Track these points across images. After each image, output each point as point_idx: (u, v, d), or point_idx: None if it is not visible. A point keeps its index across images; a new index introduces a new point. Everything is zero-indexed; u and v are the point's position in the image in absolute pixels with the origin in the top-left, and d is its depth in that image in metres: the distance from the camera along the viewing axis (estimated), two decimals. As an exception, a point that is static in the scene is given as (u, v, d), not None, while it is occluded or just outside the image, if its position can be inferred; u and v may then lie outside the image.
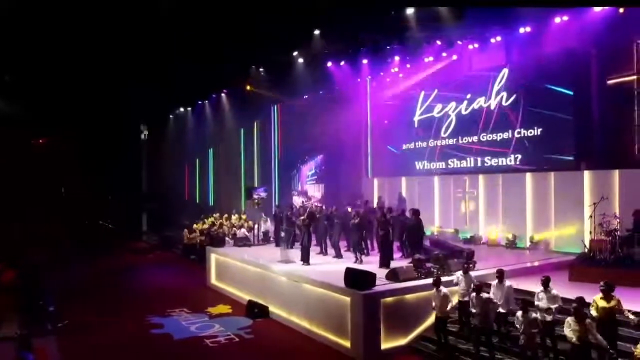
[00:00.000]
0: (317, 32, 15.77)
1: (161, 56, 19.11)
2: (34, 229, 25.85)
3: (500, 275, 9.29)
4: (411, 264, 11.12)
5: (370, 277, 10.05)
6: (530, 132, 15.25)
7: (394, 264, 11.90)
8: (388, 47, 17.12)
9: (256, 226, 17.77)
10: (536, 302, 8.41)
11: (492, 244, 15.81)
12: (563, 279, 11.46)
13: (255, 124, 31.68)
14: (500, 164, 16.20)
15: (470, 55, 17.54)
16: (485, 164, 16.67)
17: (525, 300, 8.26)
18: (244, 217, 20.89)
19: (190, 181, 41.96)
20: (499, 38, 16.48)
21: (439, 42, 16.50)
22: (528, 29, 15.55)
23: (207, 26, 16.39)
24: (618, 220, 11.97)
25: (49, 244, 23.93)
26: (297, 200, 23.98)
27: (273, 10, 13.46)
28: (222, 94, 26.49)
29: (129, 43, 18.02)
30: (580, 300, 7.40)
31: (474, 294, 8.97)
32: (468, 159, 17.24)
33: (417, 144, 19.31)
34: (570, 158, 14.31)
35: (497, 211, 16.22)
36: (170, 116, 32.94)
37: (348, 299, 10.10)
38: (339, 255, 13.99)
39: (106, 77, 21.34)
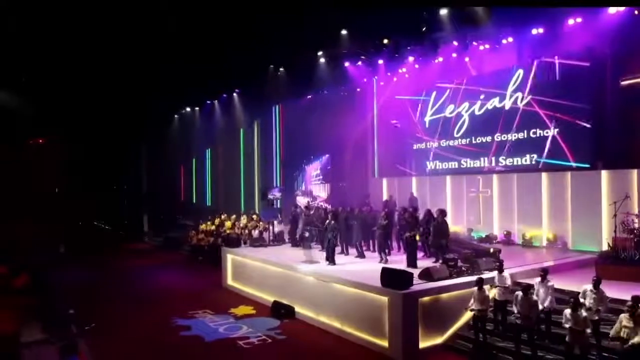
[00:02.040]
0: (344, 32, 15.74)
1: (170, 55, 18.95)
2: (28, 230, 25.39)
3: (544, 273, 9.42)
4: (444, 264, 11.19)
5: (408, 277, 10.09)
6: (547, 132, 15.45)
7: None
8: (406, 48, 17.02)
9: (270, 226, 17.66)
10: (582, 300, 8.53)
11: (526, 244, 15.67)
12: (588, 277, 11.66)
13: (256, 124, 31.62)
14: (515, 163, 16.39)
15: (481, 56, 17.71)
16: (500, 164, 16.85)
17: (576, 298, 8.36)
18: (254, 217, 20.76)
19: (186, 182, 41.73)
20: (510, 39, 16.69)
21: (455, 43, 16.55)
22: (541, 30, 15.76)
23: (217, 24, 16.32)
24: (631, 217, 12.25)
25: (47, 245, 23.53)
26: (302, 201, 23.95)
27: (294, 9, 13.37)
28: (234, 94, 26.07)
29: (140, 41, 17.86)
30: (635, 299, 7.51)
31: (520, 293, 9.06)
32: (482, 158, 17.40)
33: (428, 143, 19.43)
34: (587, 159, 14.54)
35: (512, 210, 16.42)
36: (176, 116, 32.55)
37: (385, 298, 10.12)
38: (361, 255, 14.03)
39: (112, 76, 21.03)
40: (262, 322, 12.41)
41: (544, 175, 15.58)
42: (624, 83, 14.28)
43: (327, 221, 13.20)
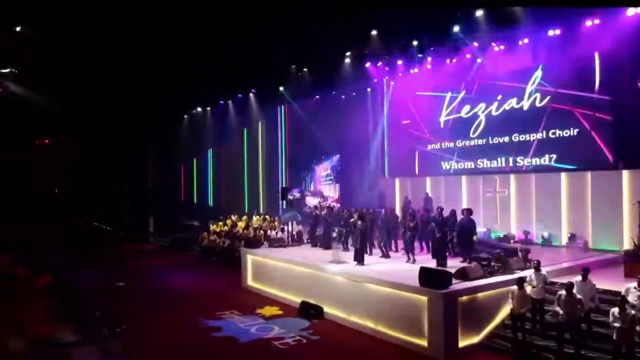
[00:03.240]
0: (374, 32, 15.76)
1: (185, 54, 18.84)
2: (27, 230, 25.07)
3: (585, 273, 9.51)
4: (478, 263, 11.26)
5: (447, 276, 10.14)
6: (566, 133, 15.59)
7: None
8: (429, 48, 17.09)
9: (289, 227, 17.63)
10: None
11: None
12: (617, 275, 11.85)
13: (260, 124, 31.56)
14: (534, 163, 16.51)
15: (497, 57, 17.79)
16: (518, 164, 16.98)
17: (623, 297, 8.46)
18: (268, 217, 20.72)
19: (186, 182, 41.51)
20: (526, 40, 16.84)
21: (475, 44, 16.63)
22: (558, 32, 15.92)
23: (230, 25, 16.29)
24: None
25: (53, 245, 23.23)
26: (313, 201, 23.98)
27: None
28: (250, 94, 26.01)
29: (153, 40, 17.75)
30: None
31: (563, 292, 9.14)
32: (499, 158, 17.50)
33: (443, 144, 19.50)
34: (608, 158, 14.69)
35: (530, 210, 16.56)
36: (185, 116, 32.36)
37: (424, 298, 10.15)
38: (386, 255, 14.06)
39: (123, 75, 20.85)
40: (292, 323, 12.37)
41: (563, 174, 15.73)
42: (641, 84, 14.50)
43: (354, 221, 13.18)
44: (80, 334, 11.24)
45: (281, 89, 23.56)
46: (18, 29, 16.30)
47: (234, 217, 23.23)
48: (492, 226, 17.39)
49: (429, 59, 18.72)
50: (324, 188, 24.63)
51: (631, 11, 14.20)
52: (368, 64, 19.49)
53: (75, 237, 27.21)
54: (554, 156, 15.91)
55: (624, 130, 14.50)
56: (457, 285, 10.33)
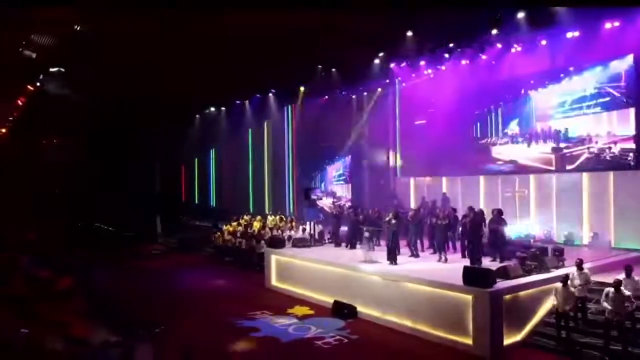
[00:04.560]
0: (409, 33, 15.82)
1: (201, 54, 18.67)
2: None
3: (630, 270, 9.69)
4: (517, 262, 11.41)
5: (491, 275, 10.27)
6: (596, 133, 15.74)
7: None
8: (457, 49, 17.18)
9: (311, 227, 17.65)
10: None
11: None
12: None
13: (266, 123, 31.49)
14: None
15: (512, 59, 17.96)
16: (530, 165, 17.21)
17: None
18: (283, 217, 20.71)
19: (187, 182, 41.23)
20: (544, 42, 17.00)
21: (499, 45, 16.77)
22: (577, 34, 16.09)
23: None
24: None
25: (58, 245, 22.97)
26: (326, 201, 24.03)
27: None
28: (270, 94, 25.98)
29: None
30: None
31: (611, 289, 9.29)
32: (518, 160, 17.70)
33: (458, 144, 19.61)
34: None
35: (550, 209, 16.77)
36: (197, 115, 32.17)
37: (469, 296, 10.25)
38: (415, 254, 14.15)
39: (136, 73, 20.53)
40: (328, 323, 12.40)
41: (584, 173, 15.95)
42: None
43: (389, 220, 13.25)
44: (115, 336, 11.25)
45: (302, 89, 23.46)
46: None
47: (247, 217, 23.16)
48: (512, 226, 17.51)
49: (446, 56, 18.56)
50: (336, 188, 24.66)
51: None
52: (392, 64, 19.52)
53: (74, 238, 26.85)
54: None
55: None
56: (500, 284, 10.46)
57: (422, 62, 18.99)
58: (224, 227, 22.89)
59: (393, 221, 13.11)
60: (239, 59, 17.43)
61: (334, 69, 20.37)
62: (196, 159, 39.22)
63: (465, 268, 10.60)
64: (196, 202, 39.34)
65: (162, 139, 30.18)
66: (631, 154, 14.82)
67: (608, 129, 15.49)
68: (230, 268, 20.19)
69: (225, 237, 21.86)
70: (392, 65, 19.53)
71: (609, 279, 10.64)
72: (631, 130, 14.86)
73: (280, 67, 18.35)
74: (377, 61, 19.11)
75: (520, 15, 14.98)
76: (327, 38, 15.08)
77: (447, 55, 17.97)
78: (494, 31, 15.70)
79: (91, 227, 34.15)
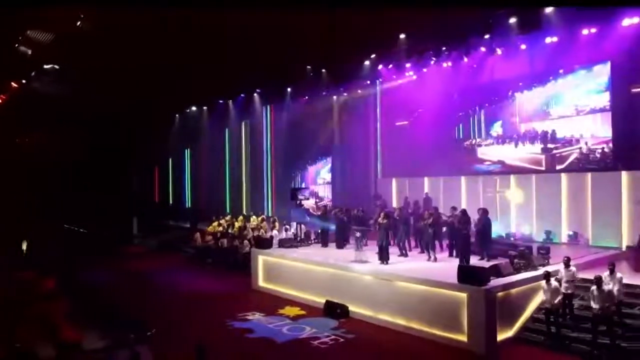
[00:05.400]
0: (402, 36, 15.98)
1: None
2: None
3: (613, 267, 10.11)
4: (508, 260, 11.74)
5: (485, 273, 10.54)
6: (579, 134, 16.37)
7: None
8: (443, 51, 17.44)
9: (298, 227, 17.64)
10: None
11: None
12: (627, 270, 12.60)
13: (244, 124, 31.30)
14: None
15: (497, 62, 18.36)
16: (519, 165, 17.70)
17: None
18: (261, 217, 20.65)
19: (161, 182, 40.51)
20: (523, 46, 17.46)
21: (483, 49, 17.15)
22: (555, 39, 16.64)
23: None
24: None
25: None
26: (309, 202, 24.04)
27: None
28: (255, 94, 25.78)
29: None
30: None
31: (594, 287, 9.67)
32: (505, 160, 18.18)
33: (441, 145, 19.99)
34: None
35: (530, 209, 17.27)
36: (177, 115, 31.61)
37: (464, 294, 10.49)
38: (404, 254, 14.34)
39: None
40: (321, 322, 12.45)
41: (563, 174, 16.52)
42: (634, 90, 15.44)
43: (380, 220, 13.40)
44: (107, 339, 11.00)
45: (289, 89, 23.37)
46: None
47: (228, 217, 22.97)
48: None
49: (446, 63, 18.85)
50: (318, 188, 24.73)
51: (626, 22, 15.04)
52: (380, 66, 19.62)
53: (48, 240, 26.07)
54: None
55: (623, 132, 15.40)
56: (493, 281, 10.73)
57: (408, 64, 19.16)
58: (207, 228, 22.61)
59: (384, 221, 13.26)
60: (226, 58, 17.26)
61: (324, 70, 20.29)
62: (170, 159, 38.68)
63: (460, 267, 10.85)
64: (170, 202, 38.78)
65: (138, 139, 29.55)
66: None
67: (591, 131, 16.13)
68: (213, 269, 19.99)
69: (206, 238, 21.60)
70: (380, 67, 19.63)
71: (590, 275, 11.06)
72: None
73: (266, 67, 18.27)
74: (367, 62, 19.19)
75: (512, 20, 15.30)
76: (317, 39, 15.12)
77: (433, 59, 18.19)
78: (486, 36, 15.97)
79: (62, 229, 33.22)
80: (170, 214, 33.99)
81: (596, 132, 16.01)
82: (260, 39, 16.47)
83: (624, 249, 14.60)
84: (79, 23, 12.87)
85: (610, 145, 15.60)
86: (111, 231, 27.54)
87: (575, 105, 16.50)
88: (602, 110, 15.84)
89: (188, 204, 36.77)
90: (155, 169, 39.80)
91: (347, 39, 15.25)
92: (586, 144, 16.23)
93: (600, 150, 15.91)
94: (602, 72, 15.87)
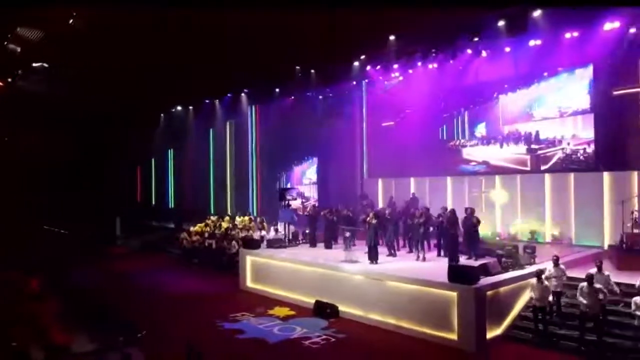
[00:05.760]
0: (392, 37, 16.06)
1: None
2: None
3: (600, 264, 10.35)
4: (496, 260, 11.92)
5: (475, 272, 10.69)
6: (561, 136, 16.68)
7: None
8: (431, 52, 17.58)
9: (286, 227, 17.63)
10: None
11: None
12: (610, 268, 12.87)
13: (228, 124, 31.12)
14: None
15: (478, 64, 18.68)
16: (504, 166, 17.98)
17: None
18: (248, 217, 20.58)
19: (143, 183, 40.03)
20: (508, 49, 17.77)
21: (469, 51, 17.35)
22: (539, 42, 16.95)
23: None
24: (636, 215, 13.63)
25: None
26: (295, 202, 24.00)
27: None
28: (243, 94, 25.63)
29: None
30: None
31: (584, 284, 9.89)
32: (490, 160, 18.45)
33: (427, 145, 20.18)
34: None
35: (515, 209, 17.55)
36: (162, 115, 31.24)
37: (454, 293, 10.63)
38: (393, 254, 14.46)
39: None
40: (311, 322, 12.48)
41: (547, 175, 16.83)
42: (615, 93, 15.81)
43: (370, 220, 13.48)
44: (97, 342, 10.85)
45: (277, 89, 23.31)
46: None
47: (214, 218, 22.83)
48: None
49: (432, 65, 18.90)
50: (303, 188, 24.71)
51: (607, 26, 15.39)
52: (369, 67, 19.68)
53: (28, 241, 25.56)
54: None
55: (604, 135, 15.75)
56: (482, 280, 10.89)
57: (396, 65, 19.28)
58: (192, 229, 22.43)
59: (374, 221, 13.35)
60: (214, 58, 17.16)
61: (312, 71, 20.29)
62: (153, 159, 38.28)
63: (451, 266, 10.99)
64: (153, 203, 38.39)
65: (122, 138, 29.17)
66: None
67: (573, 132, 16.46)
68: (200, 270, 19.85)
69: (192, 238, 21.43)
70: (368, 67, 19.71)
71: (574, 273, 11.43)
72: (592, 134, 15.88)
73: (255, 67, 18.20)
74: (356, 63, 19.26)
75: (501, 23, 15.53)
76: (307, 39, 15.13)
77: (420, 61, 18.35)
78: (475, 39, 16.18)
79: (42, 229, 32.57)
80: (153, 214, 33.67)
81: (578, 133, 16.36)
82: (250, 39, 16.44)
83: (606, 247, 14.93)
84: (71, 21, 12.63)
85: (592, 146, 15.95)
86: (94, 232, 27.09)
87: (559, 107, 16.83)
88: (584, 112, 16.19)
89: (171, 204, 36.47)
90: (138, 169, 39.40)
91: (338, 40, 15.26)
92: (569, 144, 16.58)
93: (582, 151, 16.25)
94: (585, 75, 16.18)
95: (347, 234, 13.84)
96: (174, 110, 30.21)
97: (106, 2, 12.90)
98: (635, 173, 14.84)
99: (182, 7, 12.57)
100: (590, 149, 16.00)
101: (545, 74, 17.14)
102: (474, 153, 19.25)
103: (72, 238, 28.29)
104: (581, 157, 16.20)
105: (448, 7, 11.92)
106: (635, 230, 13.41)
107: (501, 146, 18.32)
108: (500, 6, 13.99)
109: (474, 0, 12.74)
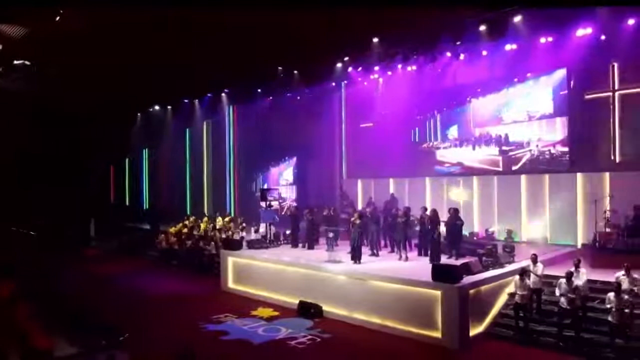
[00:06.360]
0: (375, 39, 16.16)
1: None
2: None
3: (578, 262, 10.72)
4: (477, 259, 12.19)
5: (459, 271, 10.91)
6: (528, 139, 17.17)
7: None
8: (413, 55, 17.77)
9: (268, 228, 17.59)
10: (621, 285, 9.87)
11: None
12: (584, 266, 13.28)
13: (205, 124, 30.84)
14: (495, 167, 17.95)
15: (455, 67, 19.02)
16: (478, 167, 18.39)
17: (619, 283, 9.70)
18: (228, 218, 20.47)
19: (116, 183, 39.27)
20: (485, 52, 18.15)
21: (448, 54, 17.64)
22: (514, 46, 17.36)
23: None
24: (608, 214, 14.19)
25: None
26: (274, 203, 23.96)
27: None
28: (223, 94, 25.37)
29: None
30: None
31: (563, 280, 10.22)
32: (464, 162, 18.81)
33: (403, 147, 20.44)
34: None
35: (492, 209, 17.96)
36: (139, 114, 30.65)
37: (438, 292, 10.82)
38: (375, 253, 14.62)
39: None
40: (295, 323, 12.50)
41: (522, 176, 17.28)
42: (587, 97, 16.34)
43: (354, 220, 13.59)
44: (77, 346, 10.62)
45: (259, 90, 23.19)
46: None
47: (192, 218, 22.60)
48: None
49: (407, 66, 19.17)
50: (280, 189, 24.66)
51: (580, 32, 15.88)
52: (350, 69, 19.79)
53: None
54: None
55: (577, 137, 16.25)
56: (465, 279, 11.12)
57: (376, 67, 19.46)
58: (170, 230, 22.14)
59: (358, 221, 13.47)
60: (195, 57, 16.99)
61: (295, 71, 20.30)
62: (127, 159, 37.62)
63: (434, 265, 11.19)
64: (127, 203, 37.72)
65: (96, 137, 28.55)
66: (567, 156, 16.27)
67: (539, 135, 16.98)
68: (179, 271, 19.62)
69: (170, 240, 21.15)
70: (350, 69, 19.83)
71: (552, 271, 11.80)
72: (558, 137, 16.45)
73: (236, 67, 18.09)
74: (339, 65, 19.37)
75: (482, 27, 15.84)
76: (287, 39, 15.13)
77: (401, 64, 18.57)
78: (458, 42, 16.46)
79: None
80: (127, 215, 33.05)
81: (543, 136, 16.88)
82: (233, 39, 16.33)
83: (579, 246, 15.44)
84: (57, 18, 12.33)
85: (558, 147, 16.44)
86: (68, 232, 26.40)
87: (527, 111, 17.29)
88: (550, 116, 16.69)
89: (146, 205, 35.91)
90: (111, 169, 38.63)
91: (322, 41, 15.30)
92: (537, 146, 17.05)
93: (547, 153, 16.77)
94: (549, 82, 16.71)
95: (330, 235, 13.90)
96: (151, 109, 29.69)
97: (86, 2, 12.67)
98: (607, 174, 15.40)
99: (166, 6, 12.42)
100: (555, 150, 16.51)
101: (516, 79, 17.57)
102: (448, 155, 19.61)
103: (44, 239, 27.54)
104: (548, 158, 16.71)
105: (445, 7, 12.08)
106: (608, 230, 13.94)
107: (474, 148, 18.72)
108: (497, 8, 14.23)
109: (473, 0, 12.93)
